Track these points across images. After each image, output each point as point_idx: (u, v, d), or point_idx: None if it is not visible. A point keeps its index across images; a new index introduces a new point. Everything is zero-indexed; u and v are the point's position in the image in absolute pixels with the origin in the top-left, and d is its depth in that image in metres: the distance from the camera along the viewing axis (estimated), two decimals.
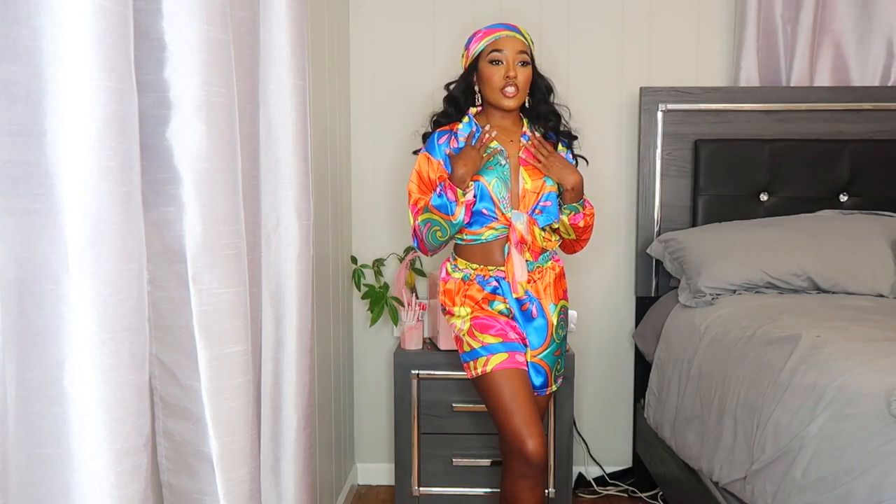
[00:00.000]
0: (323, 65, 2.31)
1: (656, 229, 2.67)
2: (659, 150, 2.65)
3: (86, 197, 0.80)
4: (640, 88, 2.66)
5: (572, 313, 2.63)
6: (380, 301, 2.58)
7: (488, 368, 1.82)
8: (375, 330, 2.79)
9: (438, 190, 1.83)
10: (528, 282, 1.88)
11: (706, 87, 2.67)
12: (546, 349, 1.91)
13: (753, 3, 2.62)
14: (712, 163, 2.60)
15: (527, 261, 1.87)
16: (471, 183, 1.83)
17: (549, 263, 1.94)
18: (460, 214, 1.81)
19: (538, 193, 1.88)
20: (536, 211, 1.89)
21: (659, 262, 2.64)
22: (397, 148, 2.75)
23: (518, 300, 1.88)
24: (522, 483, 1.82)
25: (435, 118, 1.99)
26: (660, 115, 2.64)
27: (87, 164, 0.79)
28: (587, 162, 2.03)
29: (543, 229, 1.90)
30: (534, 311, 1.89)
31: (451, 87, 1.98)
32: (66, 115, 0.78)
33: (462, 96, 1.95)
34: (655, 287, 2.71)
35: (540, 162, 1.87)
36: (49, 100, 0.77)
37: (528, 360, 1.89)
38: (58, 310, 0.80)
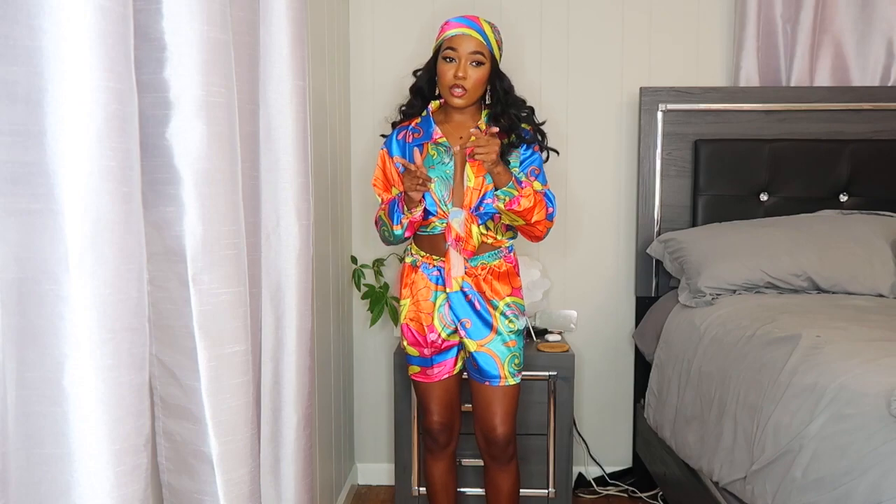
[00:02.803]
0: (323, 65, 2.31)
1: (656, 229, 2.67)
2: (659, 150, 2.65)
3: (86, 197, 0.80)
4: (640, 88, 2.66)
5: (572, 313, 2.63)
6: (380, 301, 2.58)
7: (410, 373, 2.06)
8: (375, 330, 2.79)
9: (396, 197, 1.89)
10: (471, 276, 1.91)
11: (706, 87, 2.67)
12: (491, 340, 1.93)
13: (753, 4, 2.62)
14: (712, 163, 2.60)
15: (466, 258, 1.90)
16: (422, 200, 1.85)
17: (496, 262, 1.94)
18: (402, 228, 1.87)
19: (481, 190, 1.86)
20: (479, 208, 1.87)
21: (659, 262, 2.64)
22: None
23: (462, 292, 1.92)
24: (430, 456, 2.11)
25: (403, 108, 2.00)
26: (660, 115, 2.64)
27: (87, 164, 0.79)
28: (557, 153, 1.99)
29: (487, 226, 1.90)
30: (476, 303, 1.92)
31: (419, 73, 1.97)
32: (66, 115, 0.78)
33: (426, 86, 1.96)
34: (655, 287, 2.71)
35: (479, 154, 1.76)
36: (49, 100, 0.77)
37: (475, 351, 1.93)
38: (58, 310, 0.80)
